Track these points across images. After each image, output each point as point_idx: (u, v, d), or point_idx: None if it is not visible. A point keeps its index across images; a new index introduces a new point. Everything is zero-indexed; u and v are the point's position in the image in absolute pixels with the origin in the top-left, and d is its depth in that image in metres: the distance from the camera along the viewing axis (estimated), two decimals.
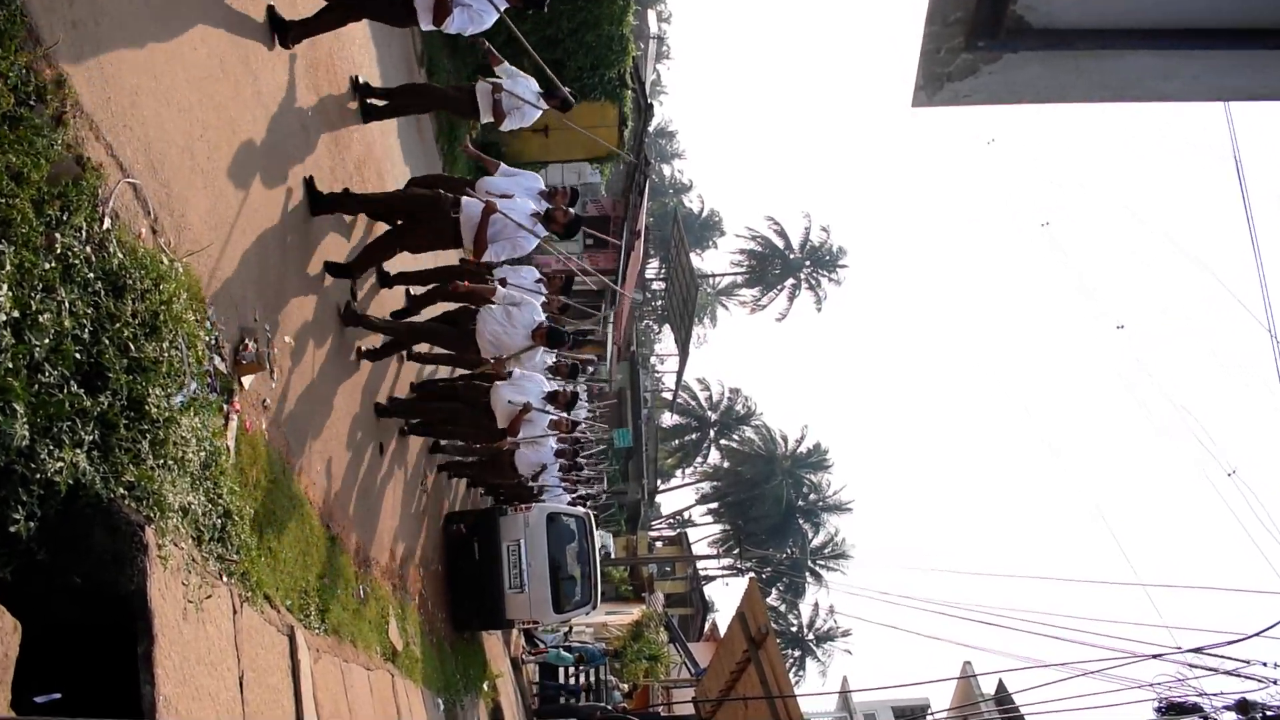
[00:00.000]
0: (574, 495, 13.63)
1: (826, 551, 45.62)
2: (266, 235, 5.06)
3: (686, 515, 54.38)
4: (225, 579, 3.69)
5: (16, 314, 2.67)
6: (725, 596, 54.62)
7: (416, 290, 7.71)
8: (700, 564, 43.71)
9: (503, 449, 8.86)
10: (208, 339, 4.08)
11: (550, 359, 7.92)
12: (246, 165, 4.77)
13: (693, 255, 50.62)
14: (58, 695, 2.74)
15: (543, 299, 6.94)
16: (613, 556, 33.36)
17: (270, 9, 5.17)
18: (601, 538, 23.62)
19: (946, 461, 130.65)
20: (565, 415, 8.25)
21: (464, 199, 5.85)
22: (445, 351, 7.52)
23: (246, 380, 4.57)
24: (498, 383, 7.66)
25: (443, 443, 9.63)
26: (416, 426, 8.33)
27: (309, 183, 5.71)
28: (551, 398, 7.85)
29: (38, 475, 2.68)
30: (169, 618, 3.05)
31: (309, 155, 5.79)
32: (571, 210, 6.23)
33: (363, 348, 6.81)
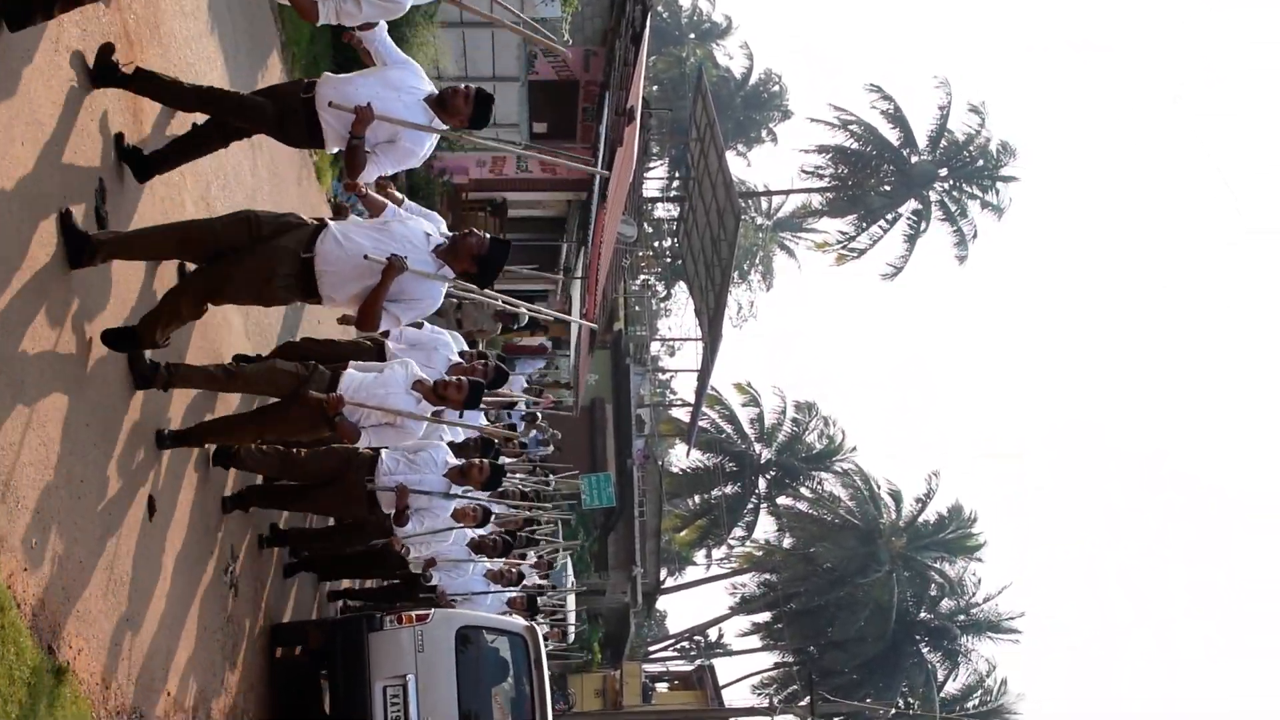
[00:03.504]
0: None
1: (971, 706, 45.72)
2: None
3: (714, 634, 54.56)
4: None
5: None
6: None
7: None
8: None
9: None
10: None
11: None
12: None
13: (731, 155, 50.62)
14: None
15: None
16: (573, 706, 33.43)
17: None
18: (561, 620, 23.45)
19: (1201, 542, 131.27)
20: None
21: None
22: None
23: None
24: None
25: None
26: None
27: None
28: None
29: None
30: None
31: None
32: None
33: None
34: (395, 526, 10.14)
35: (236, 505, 9.45)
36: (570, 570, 27.75)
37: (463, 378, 8.62)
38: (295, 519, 11.37)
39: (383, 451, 9.63)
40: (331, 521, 11.46)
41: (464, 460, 10.20)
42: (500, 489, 10.74)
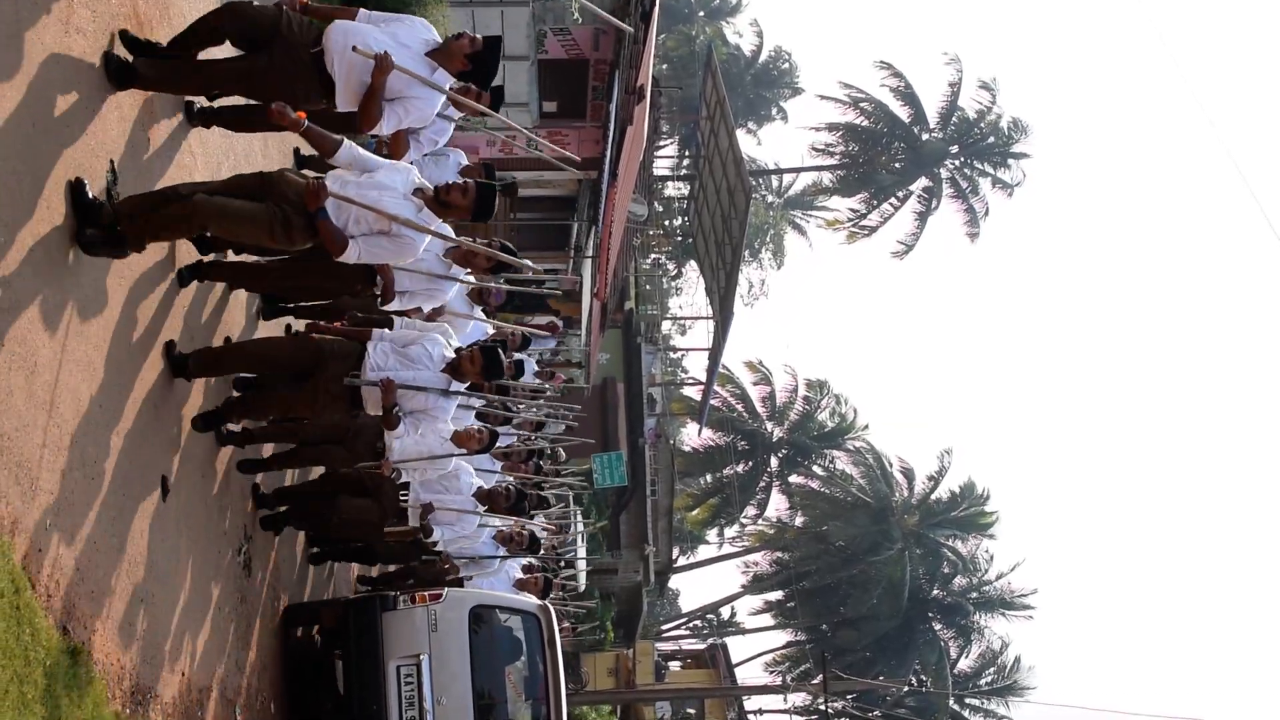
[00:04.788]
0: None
1: (984, 683, 45.76)
2: None
3: (727, 612, 54.65)
4: None
5: None
6: None
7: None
8: (751, 702, 43.88)
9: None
10: None
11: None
12: None
13: (741, 133, 50.52)
14: None
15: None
16: (586, 684, 33.49)
17: None
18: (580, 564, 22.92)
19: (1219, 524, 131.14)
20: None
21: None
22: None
23: None
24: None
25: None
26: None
27: None
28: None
29: None
30: None
31: None
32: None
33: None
34: (385, 430, 8.86)
35: (208, 425, 8.41)
36: (579, 520, 26.66)
37: (468, 180, 7.69)
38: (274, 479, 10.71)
39: (369, 344, 8.36)
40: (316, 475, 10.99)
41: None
42: (501, 379, 9.32)
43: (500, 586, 13.09)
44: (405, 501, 10.64)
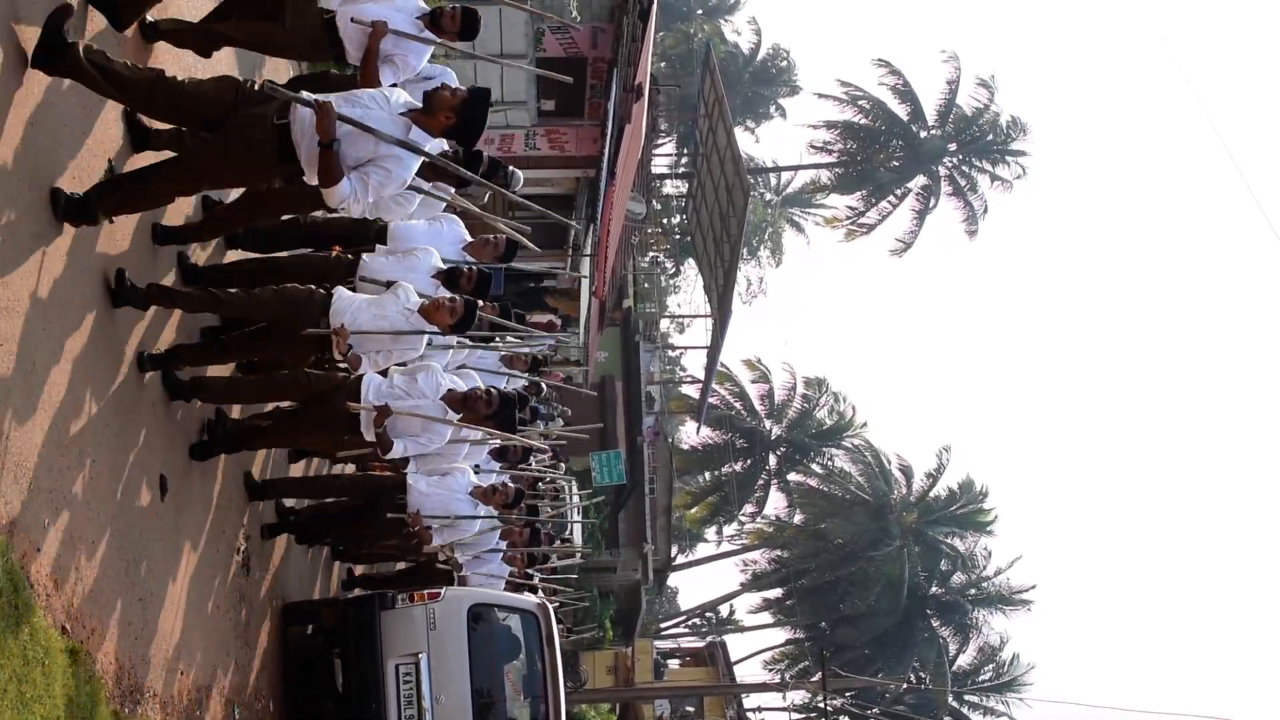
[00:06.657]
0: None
1: (983, 679, 45.78)
2: None
3: (726, 610, 54.67)
4: None
5: None
6: None
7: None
8: (750, 700, 43.91)
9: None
10: None
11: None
12: None
13: (739, 131, 50.45)
14: None
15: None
16: (585, 683, 33.51)
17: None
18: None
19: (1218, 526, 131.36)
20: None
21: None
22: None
23: None
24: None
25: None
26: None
27: None
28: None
29: None
30: None
31: None
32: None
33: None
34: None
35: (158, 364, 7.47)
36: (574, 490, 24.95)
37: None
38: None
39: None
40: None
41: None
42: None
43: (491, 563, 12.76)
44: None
